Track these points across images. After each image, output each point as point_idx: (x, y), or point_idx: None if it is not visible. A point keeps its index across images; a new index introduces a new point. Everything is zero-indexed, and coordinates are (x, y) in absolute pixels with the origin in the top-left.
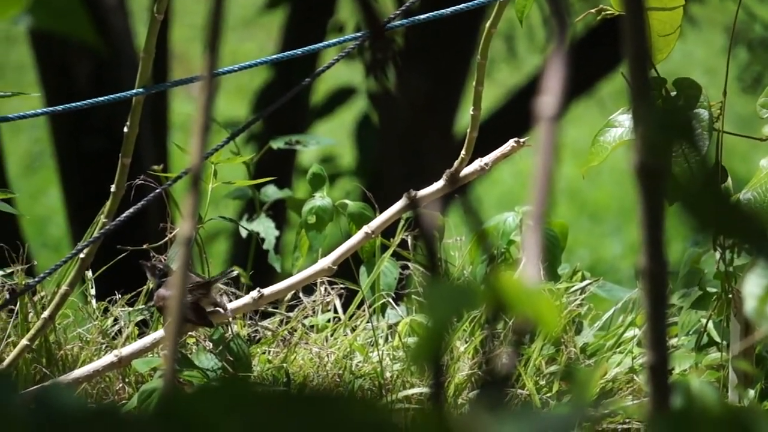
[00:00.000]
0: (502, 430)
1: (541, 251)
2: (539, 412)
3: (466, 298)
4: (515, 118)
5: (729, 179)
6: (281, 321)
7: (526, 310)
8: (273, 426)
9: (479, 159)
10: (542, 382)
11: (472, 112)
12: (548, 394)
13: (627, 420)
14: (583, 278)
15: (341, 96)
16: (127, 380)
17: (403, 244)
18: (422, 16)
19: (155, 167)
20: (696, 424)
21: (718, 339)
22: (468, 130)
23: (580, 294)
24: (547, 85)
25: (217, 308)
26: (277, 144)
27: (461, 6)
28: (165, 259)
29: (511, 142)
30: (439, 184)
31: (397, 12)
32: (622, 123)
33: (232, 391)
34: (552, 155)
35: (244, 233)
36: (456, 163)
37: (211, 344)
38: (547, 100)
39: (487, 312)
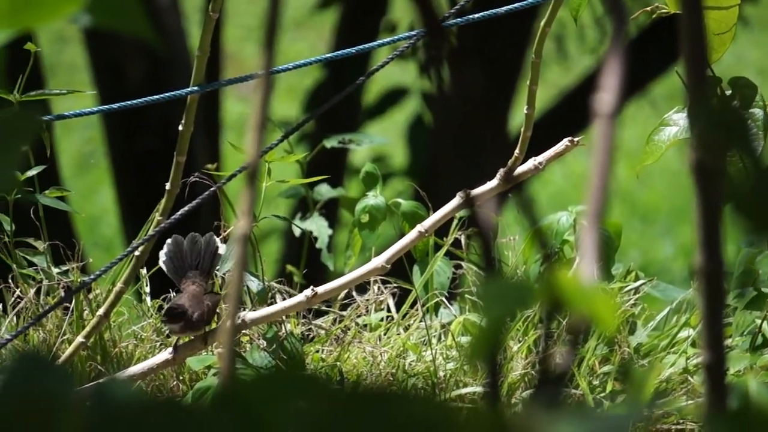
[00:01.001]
0: (559, 429)
1: (598, 250)
2: (594, 411)
3: (522, 296)
4: (566, 118)
5: None
6: (334, 319)
7: (582, 309)
8: (328, 417)
9: (533, 158)
10: (596, 382)
11: (526, 111)
12: (602, 394)
13: (681, 421)
14: (637, 278)
15: (393, 96)
16: (181, 378)
17: (456, 243)
18: (476, 15)
19: (209, 166)
20: (753, 425)
21: None
22: (522, 129)
23: (634, 294)
24: (605, 82)
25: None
26: (331, 143)
27: (515, 5)
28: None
29: (565, 141)
30: (493, 183)
31: (452, 11)
32: (677, 122)
33: (287, 383)
34: (609, 152)
35: (297, 232)
36: (510, 162)
37: (264, 342)
38: (605, 98)
39: (542, 311)
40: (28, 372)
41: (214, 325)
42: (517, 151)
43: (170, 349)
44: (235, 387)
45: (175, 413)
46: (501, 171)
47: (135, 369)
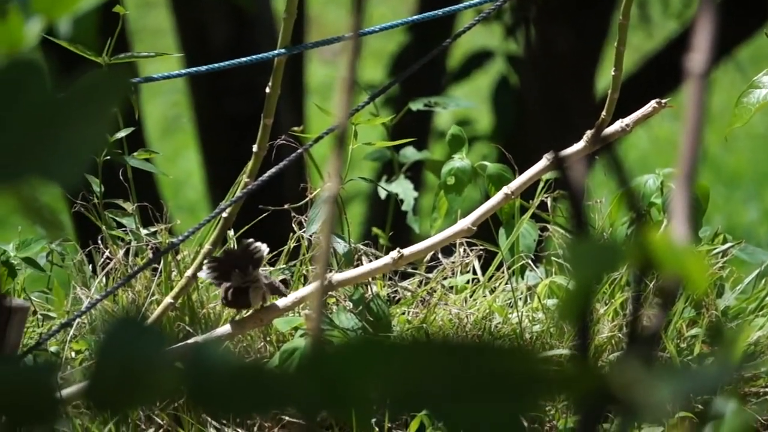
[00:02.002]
0: (653, 385)
1: (688, 211)
2: (685, 371)
3: (611, 257)
4: (650, 82)
5: None
6: (420, 281)
7: (674, 270)
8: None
9: (620, 120)
10: (683, 345)
11: (613, 73)
12: (689, 357)
13: None
14: (725, 241)
15: (478, 59)
16: (268, 339)
17: (542, 205)
18: None
19: (295, 128)
20: None
21: None
22: (609, 91)
23: (722, 257)
24: (696, 42)
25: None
26: (416, 105)
27: None
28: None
29: (652, 103)
30: (580, 144)
31: None
32: (766, 84)
33: (374, 351)
34: (700, 112)
35: (383, 194)
36: (597, 124)
37: (351, 304)
38: (696, 58)
39: (630, 272)
40: (124, 335)
41: (271, 300)
42: (604, 112)
43: (246, 314)
44: (322, 353)
45: (266, 377)
46: (588, 133)
47: (222, 330)
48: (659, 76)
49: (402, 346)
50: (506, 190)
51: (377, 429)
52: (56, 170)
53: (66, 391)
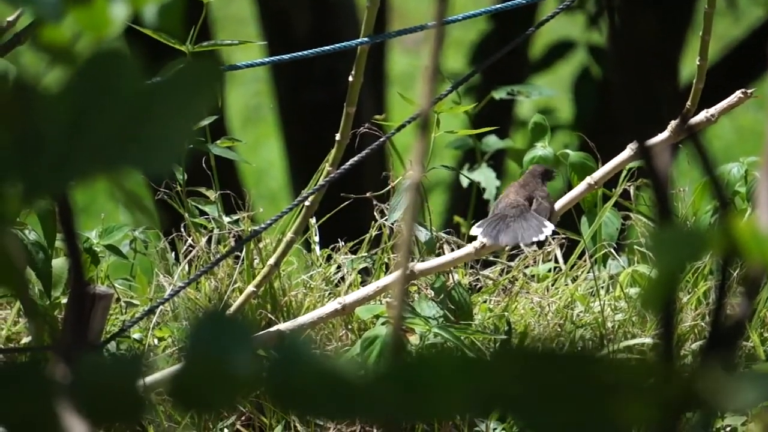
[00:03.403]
0: (738, 389)
1: None
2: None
3: (696, 246)
4: (735, 71)
5: None
6: (502, 270)
7: (760, 258)
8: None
9: (705, 110)
10: (767, 335)
11: (698, 62)
12: None
13: None
14: None
15: (560, 49)
16: (349, 327)
17: (624, 194)
18: None
19: (377, 117)
20: None
21: None
22: (694, 81)
23: None
24: None
25: None
26: (499, 94)
27: None
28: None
29: (738, 93)
30: (664, 134)
31: None
32: None
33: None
34: None
35: (465, 183)
36: (682, 113)
37: (432, 293)
38: None
39: (713, 261)
40: (211, 330)
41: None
42: (689, 102)
43: (340, 299)
44: (403, 361)
45: (350, 382)
46: (673, 122)
47: (305, 318)
48: (744, 64)
49: (484, 357)
50: (590, 180)
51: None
52: (147, 160)
53: (150, 378)
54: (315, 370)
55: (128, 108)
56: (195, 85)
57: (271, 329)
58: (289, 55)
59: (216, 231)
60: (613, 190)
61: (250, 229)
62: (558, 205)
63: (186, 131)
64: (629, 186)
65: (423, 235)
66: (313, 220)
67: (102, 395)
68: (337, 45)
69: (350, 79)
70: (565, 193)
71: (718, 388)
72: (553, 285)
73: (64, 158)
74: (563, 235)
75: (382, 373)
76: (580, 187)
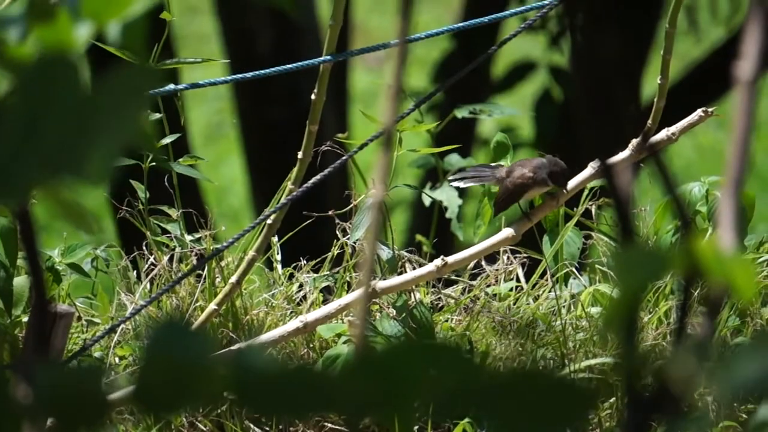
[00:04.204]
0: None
1: (735, 219)
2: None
3: (657, 265)
4: (695, 90)
5: None
6: (464, 289)
7: (721, 278)
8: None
9: (666, 128)
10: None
11: (659, 81)
12: None
13: None
14: None
15: (521, 71)
16: (311, 345)
17: (586, 213)
18: None
19: (340, 135)
20: None
21: None
22: (655, 99)
23: (767, 266)
24: (744, 49)
25: None
26: (462, 113)
27: None
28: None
29: (698, 112)
30: (626, 153)
31: None
32: None
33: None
34: (749, 119)
35: (427, 201)
36: (643, 132)
37: (394, 311)
38: (745, 65)
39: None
40: (170, 338)
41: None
42: (650, 121)
43: (302, 317)
44: (368, 355)
45: (312, 380)
46: (634, 141)
47: (266, 336)
48: (705, 83)
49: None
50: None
51: None
52: (85, 169)
53: (111, 396)
54: (277, 368)
55: (65, 116)
56: (132, 92)
57: (233, 347)
58: (251, 73)
59: (178, 249)
60: (575, 209)
61: (212, 248)
62: (519, 223)
63: (123, 140)
64: (591, 205)
65: (385, 253)
66: (275, 239)
67: (64, 399)
68: (299, 63)
69: (313, 97)
70: (524, 213)
71: (688, 378)
72: (514, 304)
73: (6, 168)
74: (525, 254)
75: (345, 370)
76: (542, 206)
